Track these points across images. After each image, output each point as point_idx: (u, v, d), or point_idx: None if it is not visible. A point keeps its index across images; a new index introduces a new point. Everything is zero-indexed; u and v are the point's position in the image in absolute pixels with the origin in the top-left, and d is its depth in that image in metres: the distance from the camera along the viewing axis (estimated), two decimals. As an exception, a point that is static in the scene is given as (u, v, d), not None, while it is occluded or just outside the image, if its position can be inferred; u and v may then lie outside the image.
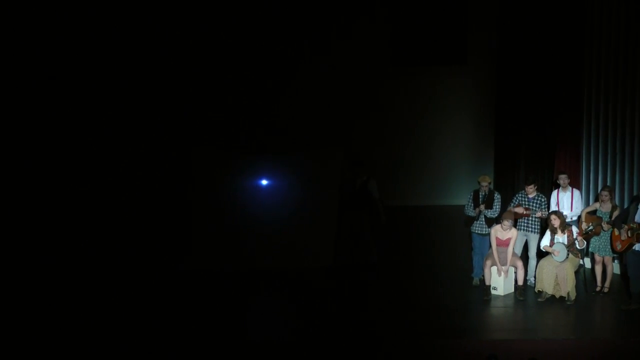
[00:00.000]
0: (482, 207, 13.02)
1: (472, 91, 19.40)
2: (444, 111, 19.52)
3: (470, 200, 13.17)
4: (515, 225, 12.78)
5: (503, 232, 12.57)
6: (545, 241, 12.57)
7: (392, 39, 18.86)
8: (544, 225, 13.10)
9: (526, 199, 13.04)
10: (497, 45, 17.98)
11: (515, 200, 13.13)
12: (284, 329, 11.45)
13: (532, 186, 13.04)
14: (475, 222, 13.18)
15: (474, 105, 19.46)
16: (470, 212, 13.18)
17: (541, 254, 12.85)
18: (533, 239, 13.05)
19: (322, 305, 12.35)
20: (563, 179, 13.35)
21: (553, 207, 13.22)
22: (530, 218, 12.96)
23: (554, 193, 13.46)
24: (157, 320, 11.74)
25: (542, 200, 13.07)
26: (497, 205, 13.08)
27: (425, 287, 13.12)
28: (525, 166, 16.31)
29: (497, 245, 12.61)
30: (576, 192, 13.35)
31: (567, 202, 13.20)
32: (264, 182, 14.47)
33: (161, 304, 12.53)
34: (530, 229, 13.03)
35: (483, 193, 13.14)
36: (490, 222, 13.04)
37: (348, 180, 14.26)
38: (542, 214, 12.91)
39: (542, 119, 15.90)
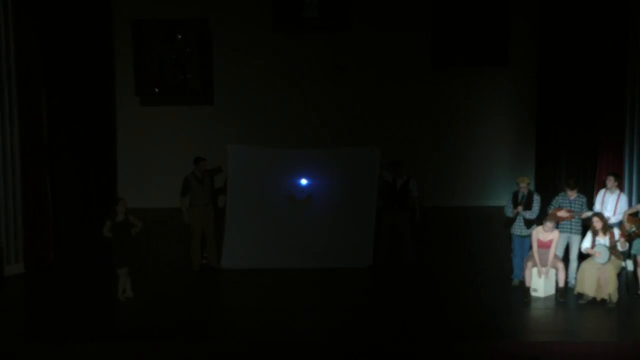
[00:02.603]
0: (519, 208, 12.81)
1: (513, 92, 19.28)
2: (484, 112, 19.42)
3: (510, 202, 12.96)
4: (557, 227, 12.53)
5: (545, 234, 12.34)
6: (586, 243, 12.33)
7: (433, 40, 18.72)
8: (585, 226, 12.88)
9: (567, 201, 12.79)
10: (538, 45, 17.80)
11: (556, 202, 12.88)
12: (318, 328, 11.32)
13: (574, 190, 12.79)
14: (514, 223, 12.96)
15: (514, 106, 19.32)
16: (510, 213, 12.98)
17: (582, 256, 12.61)
18: (575, 240, 12.79)
19: (359, 305, 12.23)
20: (611, 180, 13.01)
21: (597, 208, 12.96)
22: (573, 219, 12.71)
23: (600, 193, 13.18)
24: (189, 316, 11.72)
25: (583, 200, 12.81)
26: (536, 206, 12.84)
27: (464, 288, 12.95)
28: (566, 167, 16.09)
29: (538, 246, 12.38)
30: (623, 197, 13.00)
31: (611, 204, 12.90)
32: (304, 181, 14.32)
33: (195, 301, 12.53)
34: (573, 231, 12.78)
35: (522, 194, 12.92)
36: (530, 223, 12.82)
37: (387, 179, 14.10)
38: (586, 215, 12.66)
39: (584, 120, 15.67)
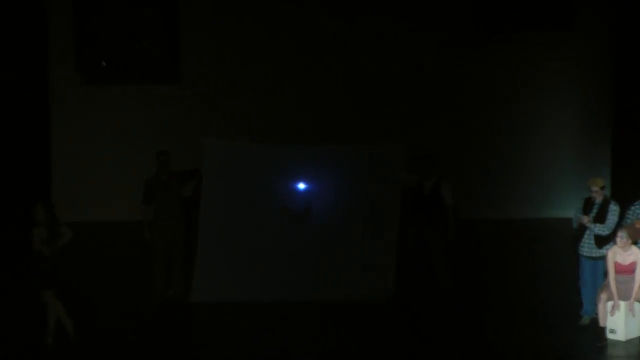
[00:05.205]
0: (584, 218, 12.71)
1: (581, 66, 19.24)
2: (544, 94, 19.39)
3: (580, 211, 12.93)
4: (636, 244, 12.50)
5: (624, 255, 12.28)
6: (681, 269, 12.33)
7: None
8: None
9: (645, 211, 12.83)
10: (617, 3, 17.75)
11: (633, 214, 12.84)
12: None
13: None
14: (582, 240, 12.90)
15: (584, 86, 19.30)
16: (576, 225, 12.98)
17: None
18: (657, 263, 12.80)
19: (375, 353, 12.22)
20: None
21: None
22: None
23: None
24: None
25: None
26: (611, 219, 12.74)
27: (518, 328, 12.95)
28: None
29: (616, 272, 12.34)
30: None
31: None
32: (302, 185, 14.33)
33: (155, 346, 12.59)
34: (653, 250, 12.78)
35: (597, 202, 12.87)
36: (602, 241, 12.75)
37: (411, 183, 14.10)
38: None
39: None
